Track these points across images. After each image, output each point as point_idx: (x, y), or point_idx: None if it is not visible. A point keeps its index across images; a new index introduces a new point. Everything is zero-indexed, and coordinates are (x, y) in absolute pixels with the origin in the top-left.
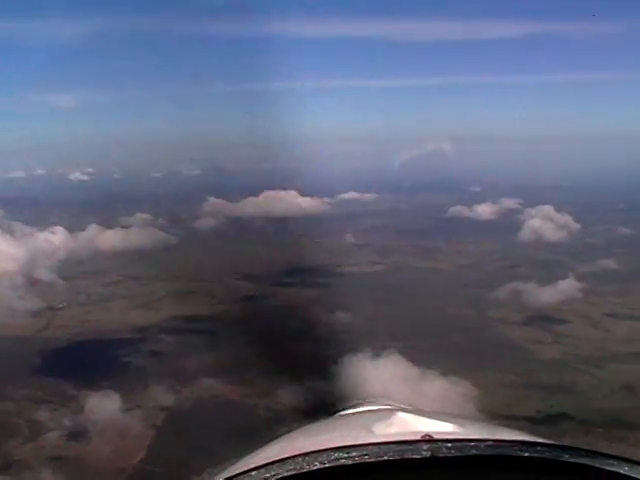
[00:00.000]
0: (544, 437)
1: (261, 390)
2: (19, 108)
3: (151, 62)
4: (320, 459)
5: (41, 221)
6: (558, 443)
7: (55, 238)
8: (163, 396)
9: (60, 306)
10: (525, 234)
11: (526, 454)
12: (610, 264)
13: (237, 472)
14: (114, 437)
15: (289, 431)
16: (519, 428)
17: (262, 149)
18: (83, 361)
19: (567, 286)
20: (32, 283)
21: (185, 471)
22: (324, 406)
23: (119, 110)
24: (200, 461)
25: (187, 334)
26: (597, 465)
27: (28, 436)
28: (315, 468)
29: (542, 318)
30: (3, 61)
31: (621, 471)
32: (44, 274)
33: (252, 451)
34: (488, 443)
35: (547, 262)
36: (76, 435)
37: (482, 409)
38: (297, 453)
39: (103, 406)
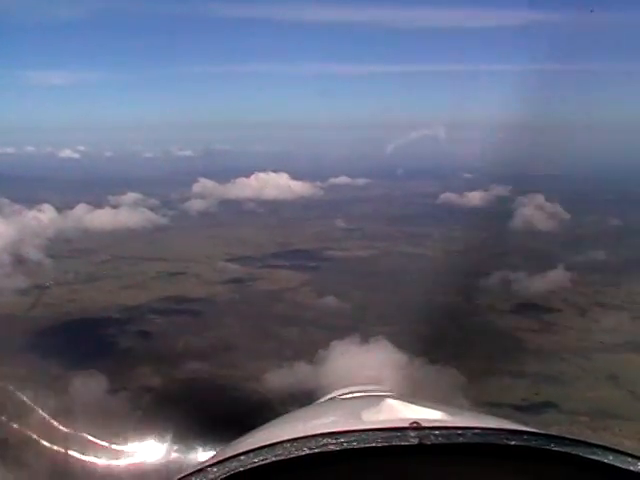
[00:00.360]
0: (530, 426)
1: (249, 373)
2: (10, 84)
3: (145, 42)
4: (309, 445)
5: (30, 199)
6: (544, 432)
7: (43, 216)
8: (150, 377)
9: (47, 285)
10: (516, 222)
11: (512, 442)
12: (600, 254)
13: (225, 457)
14: (99, 418)
15: (277, 416)
16: (505, 416)
17: (254, 131)
18: (70, 341)
19: (556, 275)
20: (19, 261)
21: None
22: (312, 391)
23: (112, 89)
24: (186, 445)
25: (176, 315)
26: (581, 454)
27: (12, 415)
28: (303, 454)
29: (530, 307)
30: None
31: (605, 460)
32: (32, 252)
33: (240, 436)
34: (475, 431)
35: (537, 251)
36: (61, 416)
37: (468, 397)
38: (286, 438)
39: (89, 386)
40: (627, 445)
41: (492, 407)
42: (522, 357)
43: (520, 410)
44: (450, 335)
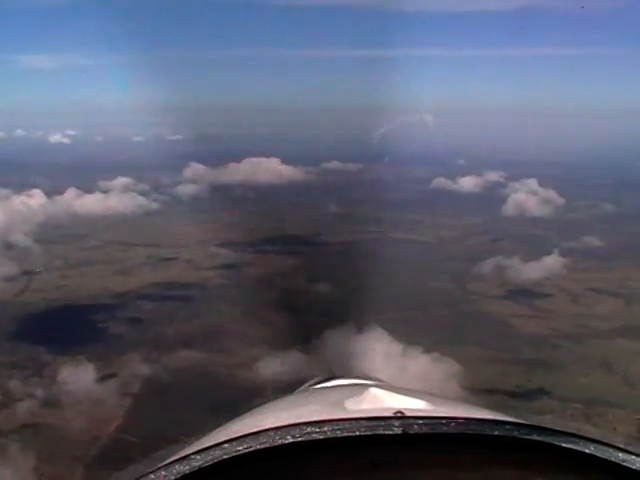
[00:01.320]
0: (523, 413)
1: (241, 360)
2: (2, 68)
3: (136, 25)
4: (293, 433)
5: (19, 183)
6: (527, 422)
7: (33, 201)
8: (140, 364)
9: (37, 270)
10: (509, 208)
11: (495, 433)
12: (593, 240)
13: (209, 445)
14: (89, 405)
15: (262, 404)
16: (498, 403)
17: (245, 115)
18: (59, 327)
19: (550, 261)
20: (8, 247)
21: (161, 441)
22: (305, 380)
23: (103, 72)
24: (176, 431)
25: (166, 301)
26: (564, 445)
27: (0, 403)
28: (288, 442)
29: (523, 292)
30: None
31: (586, 451)
32: (21, 238)
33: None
34: (459, 421)
35: (530, 236)
36: (50, 402)
37: (463, 385)
38: (270, 427)
39: (78, 373)
40: (621, 432)
41: (485, 394)
42: (515, 343)
43: (514, 397)
44: (443, 322)
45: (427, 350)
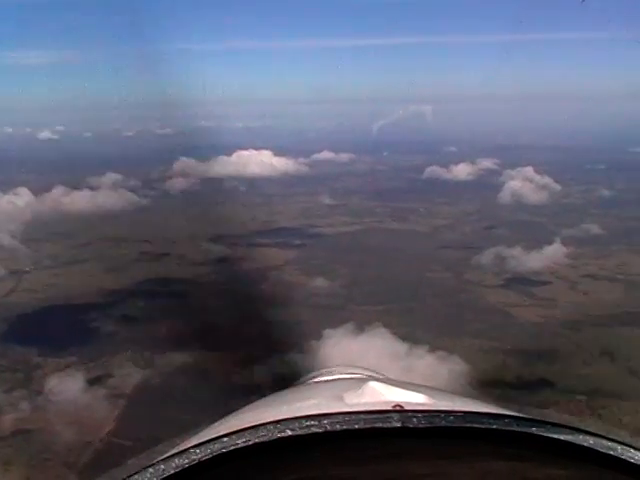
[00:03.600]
0: (523, 406)
1: (235, 359)
2: None
3: (122, 19)
4: (291, 426)
5: (6, 182)
6: (527, 416)
7: (19, 200)
8: (133, 364)
9: (27, 269)
10: (504, 195)
11: (494, 426)
12: (590, 226)
13: (207, 439)
14: (81, 408)
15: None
16: (499, 395)
17: (235, 107)
18: (50, 327)
19: (546, 248)
20: None
21: (156, 444)
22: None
23: (91, 67)
24: (171, 433)
25: (159, 298)
26: (563, 438)
27: None
28: (286, 435)
29: (521, 280)
30: None
31: (585, 444)
32: (8, 237)
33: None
34: (458, 414)
35: (526, 224)
36: (41, 407)
37: (462, 378)
38: (269, 420)
39: (69, 376)
40: (627, 424)
41: (485, 386)
42: (513, 333)
43: (515, 389)
44: (439, 312)
45: (432, 350)
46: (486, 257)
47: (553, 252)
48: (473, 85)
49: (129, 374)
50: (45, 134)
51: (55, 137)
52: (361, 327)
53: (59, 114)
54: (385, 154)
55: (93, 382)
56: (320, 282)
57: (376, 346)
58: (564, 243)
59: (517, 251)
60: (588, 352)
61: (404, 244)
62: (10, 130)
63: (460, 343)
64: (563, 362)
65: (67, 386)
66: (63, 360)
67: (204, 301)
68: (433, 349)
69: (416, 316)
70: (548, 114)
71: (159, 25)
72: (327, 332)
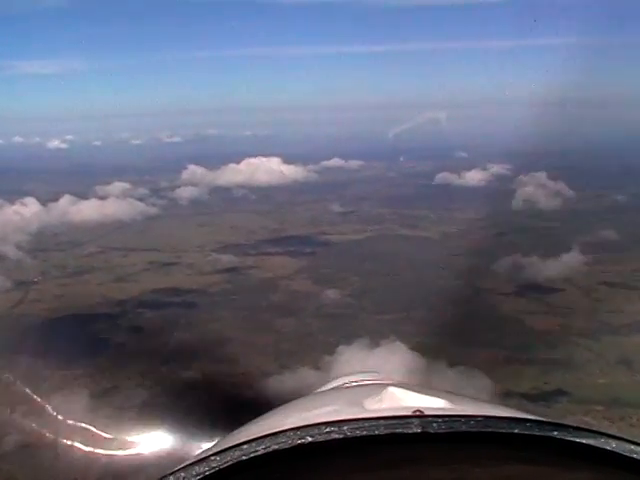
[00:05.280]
0: (540, 415)
1: (247, 370)
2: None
3: (132, 29)
4: (311, 433)
5: (15, 191)
6: (548, 420)
7: (26, 210)
8: (142, 376)
9: (35, 280)
10: (517, 202)
11: (515, 430)
12: (605, 232)
13: (228, 446)
14: (89, 422)
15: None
16: (515, 406)
17: (244, 115)
18: (57, 339)
19: (560, 254)
20: (2, 258)
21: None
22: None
23: (100, 76)
24: (179, 446)
25: (168, 308)
26: (584, 442)
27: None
28: (307, 442)
29: (534, 288)
30: None
31: (608, 448)
32: (16, 248)
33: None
34: (478, 419)
35: (538, 230)
36: (47, 420)
37: (478, 389)
38: (288, 427)
39: (77, 388)
40: None
41: (501, 397)
42: (528, 342)
43: (531, 400)
44: (452, 321)
45: (451, 365)
46: (498, 265)
47: (570, 260)
48: (483, 90)
49: (138, 385)
50: (54, 143)
51: (64, 146)
52: (376, 341)
53: (69, 123)
54: (401, 159)
55: (101, 395)
56: (331, 291)
57: (393, 361)
58: (582, 251)
59: (533, 259)
60: (605, 361)
61: (415, 251)
62: (20, 140)
63: (474, 353)
64: (579, 371)
65: (74, 399)
66: (70, 372)
67: (213, 311)
68: (452, 364)
69: (428, 325)
70: (560, 119)
71: (167, 34)
72: (341, 348)
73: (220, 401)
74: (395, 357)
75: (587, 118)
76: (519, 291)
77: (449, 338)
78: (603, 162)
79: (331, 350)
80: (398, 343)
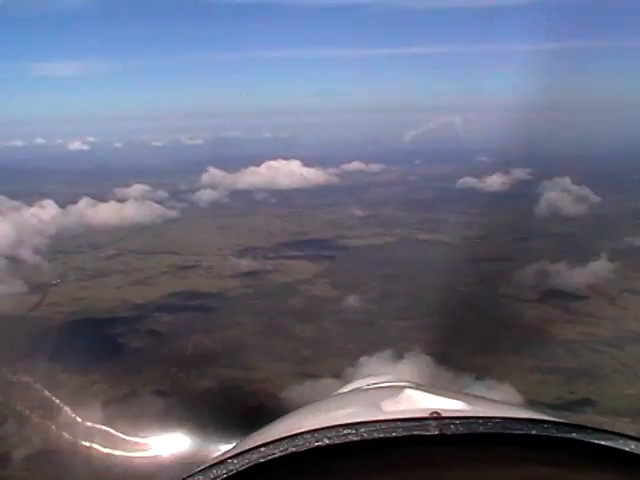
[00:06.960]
0: (560, 412)
1: (266, 376)
2: (19, 76)
3: (154, 30)
4: (329, 435)
5: (36, 192)
6: (567, 421)
7: (45, 212)
8: (160, 381)
9: (54, 282)
10: (541, 207)
11: (534, 432)
12: (630, 238)
13: (246, 448)
14: (107, 426)
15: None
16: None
17: (264, 118)
18: (75, 342)
19: (584, 262)
20: (21, 260)
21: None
22: None
23: (122, 78)
24: (197, 451)
25: (187, 312)
26: (604, 443)
27: (15, 425)
28: (324, 444)
29: (556, 294)
30: (4, 29)
31: (627, 449)
32: (35, 250)
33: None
34: (496, 421)
35: (562, 236)
36: (63, 425)
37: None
38: (306, 429)
39: (96, 391)
40: None
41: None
42: (552, 350)
43: (555, 410)
44: (474, 328)
45: (479, 378)
46: (520, 271)
47: (594, 266)
48: (504, 94)
49: (156, 390)
50: (76, 145)
51: (85, 148)
52: (399, 352)
53: (91, 125)
54: (417, 163)
55: (118, 400)
56: (350, 296)
57: (417, 375)
58: (607, 257)
59: (557, 265)
60: (631, 371)
61: (435, 256)
62: (42, 141)
63: (496, 361)
64: (605, 381)
65: (91, 404)
66: (87, 377)
67: (232, 315)
68: (475, 372)
69: (450, 333)
70: (581, 123)
71: (188, 36)
72: (363, 359)
73: (238, 409)
74: (418, 368)
75: (609, 122)
76: (543, 298)
77: (471, 346)
78: (626, 166)
79: (352, 358)
80: (421, 354)
